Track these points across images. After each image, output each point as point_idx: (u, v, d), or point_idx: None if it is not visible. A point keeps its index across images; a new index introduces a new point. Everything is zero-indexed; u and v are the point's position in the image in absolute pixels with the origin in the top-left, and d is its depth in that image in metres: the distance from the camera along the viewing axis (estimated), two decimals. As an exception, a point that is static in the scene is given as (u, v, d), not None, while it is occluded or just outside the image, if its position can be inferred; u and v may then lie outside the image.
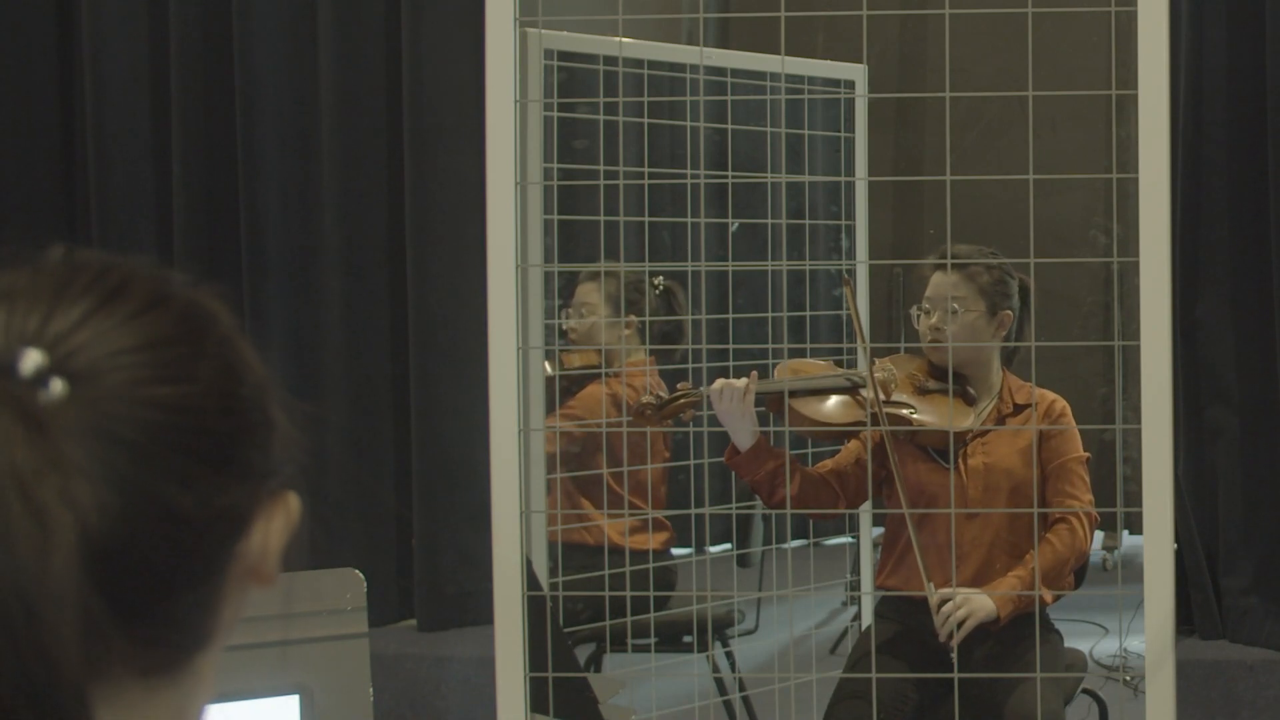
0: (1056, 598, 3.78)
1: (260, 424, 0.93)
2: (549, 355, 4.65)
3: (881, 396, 3.70)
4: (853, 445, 3.80)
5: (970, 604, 3.58)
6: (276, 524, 0.95)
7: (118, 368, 0.87)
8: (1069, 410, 3.75)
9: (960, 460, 3.72)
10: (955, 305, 3.74)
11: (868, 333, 3.87)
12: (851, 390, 3.76)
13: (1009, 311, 3.78)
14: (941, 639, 3.58)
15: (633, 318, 4.63)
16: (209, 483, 0.89)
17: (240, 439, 0.91)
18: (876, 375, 3.71)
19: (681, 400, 3.74)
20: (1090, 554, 3.68)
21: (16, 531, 0.81)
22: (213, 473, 0.89)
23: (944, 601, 3.58)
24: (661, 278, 4.70)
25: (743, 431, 3.64)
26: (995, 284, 3.78)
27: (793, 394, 3.70)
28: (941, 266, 3.73)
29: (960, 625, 3.56)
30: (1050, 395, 3.75)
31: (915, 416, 3.72)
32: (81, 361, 0.86)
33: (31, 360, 0.84)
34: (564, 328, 4.76)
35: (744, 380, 3.63)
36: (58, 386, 0.85)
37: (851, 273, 4.26)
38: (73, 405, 0.85)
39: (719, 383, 3.65)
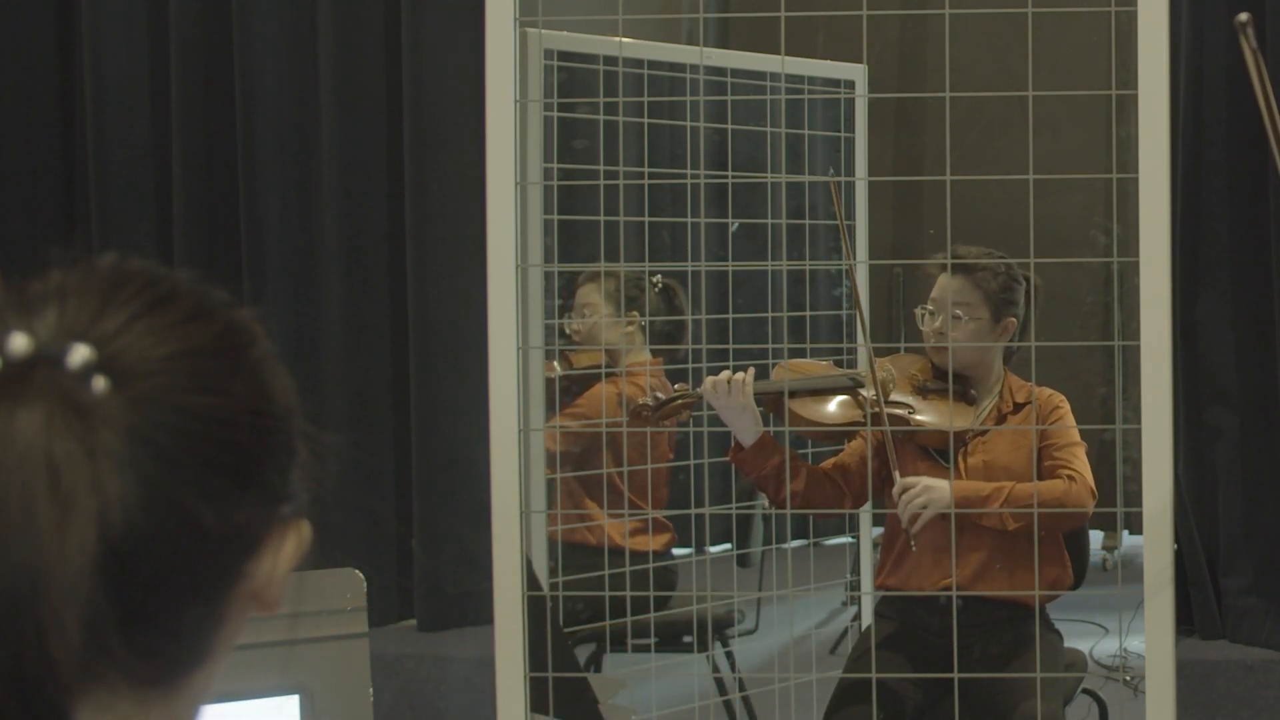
0: (1051, 598, 3.77)
1: (283, 447, 0.95)
2: (555, 355, 4.65)
3: (880, 396, 3.70)
4: (856, 443, 3.80)
5: (929, 493, 3.56)
6: (286, 550, 0.97)
7: (158, 372, 0.89)
8: (1066, 404, 3.74)
9: (960, 459, 3.72)
10: (959, 312, 3.72)
11: (868, 317, 3.86)
12: (850, 390, 3.76)
13: (1013, 319, 3.76)
14: (903, 525, 3.58)
15: (636, 314, 4.63)
16: (228, 497, 0.90)
17: (263, 458, 0.93)
18: (876, 375, 3.71)
19: (679, 401, 3.74)
20: (1086, 520, 3.62)
21: (38, 515, 0.83)
22: (233, 487, 0.91)
23: (905, 490, 3.57)
24: (660, 276, 4.70)
25: (745, 427, 3.63)
26: (1001, 291, 3.74)
27: (791, 394, 3.70)
28: (947, 267, 3.72)
29: (919, 515, 3.55)
30: (1048, 391, 3.75)
31: (915, 417, 3.71)
32: (125, 362, 0.88)
33: (79, 354, 0.87)
34: (567, 331, 4.76)
35: (738, 374, 3.62)
36: (100, 383, 0.87)
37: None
38: (113, 401, 0.87)
39: (709, 380, 3.65)
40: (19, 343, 0.87)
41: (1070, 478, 3.59)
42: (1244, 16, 2.59)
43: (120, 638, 0.86)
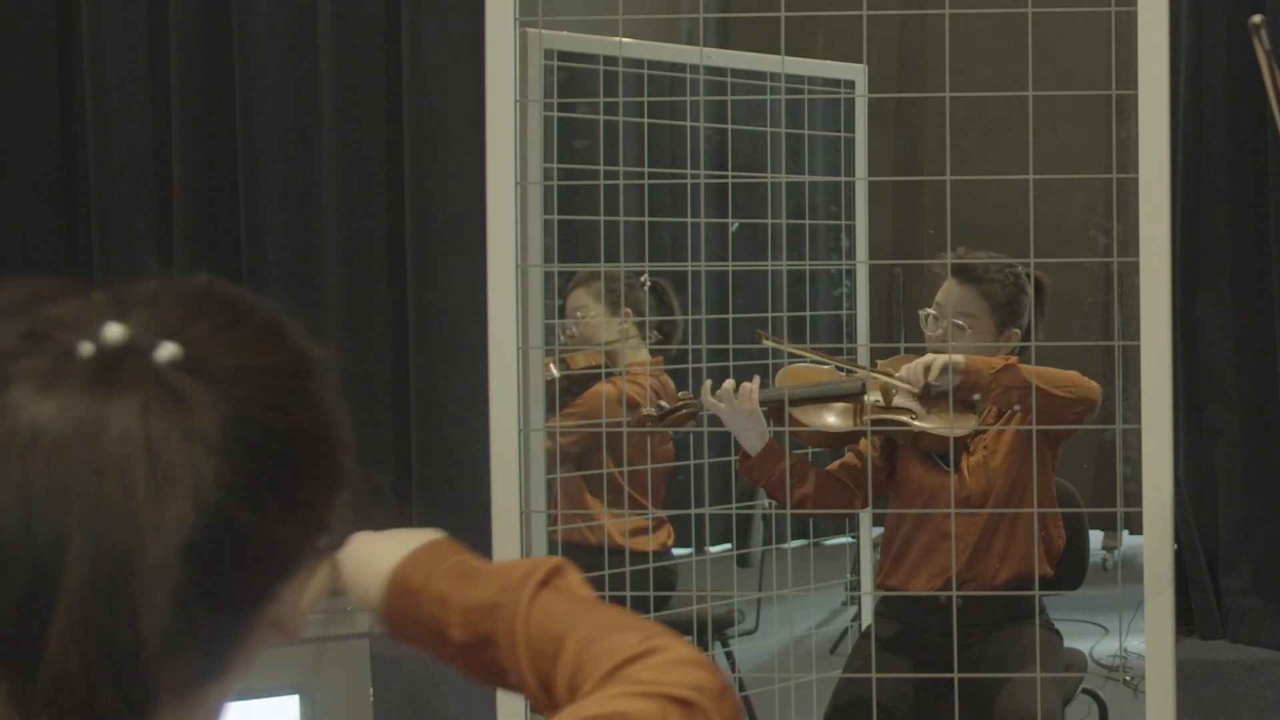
0: (1048, 575, 3.77)
1: (333, 479, 0.99)
2: (554, 356, 4.65)
3: (882, 403, 3.69)
4: (861, 443, 3.79)
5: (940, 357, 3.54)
6: (314, 582, 0.99)
7: (236, 381, 0.92)
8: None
9: (961, 459, 3.72)
10: (961, 322, 3.70)
11: (867, 328, 3.87)
12: (854, 396, 3.75)
13: (1016, 330, 3.73)
14: (918, 382, 3.56)
15: (629, 311, 4.63)
16: (276, 514, 0.93)
17: (314, 484, 0.97)
18: (877, 380, 3.70)
19: (683, 411, 3.74)
20: (1096, 407, 3.59)
21: (136, 493, 0.86)
22: (282, 505, 0.93)
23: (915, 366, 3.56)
24: (646, 274, 4.69)
25: (751, 436, 3.61)
26: (1007, 302, 3.71)
27: (793, 402, 3.69)
28: (956, 271, 3.70)
29: (932, 368, 3.53)
30: None
31: (916, 422, 3.70)
32: (209, 366, 0.92)
33: (168, 350, 0.91)
34: (563, 337, 4.75)
35: (744, 383, 3.61)
36: (184, 381, 0.90)
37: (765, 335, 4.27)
38: (203, 392, 0.91)
39: (708, 386, 3.63)
40: (114, 331, 0.90)
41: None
42: (1258, 18, 2.60)
43: (204, 614, 0.89)
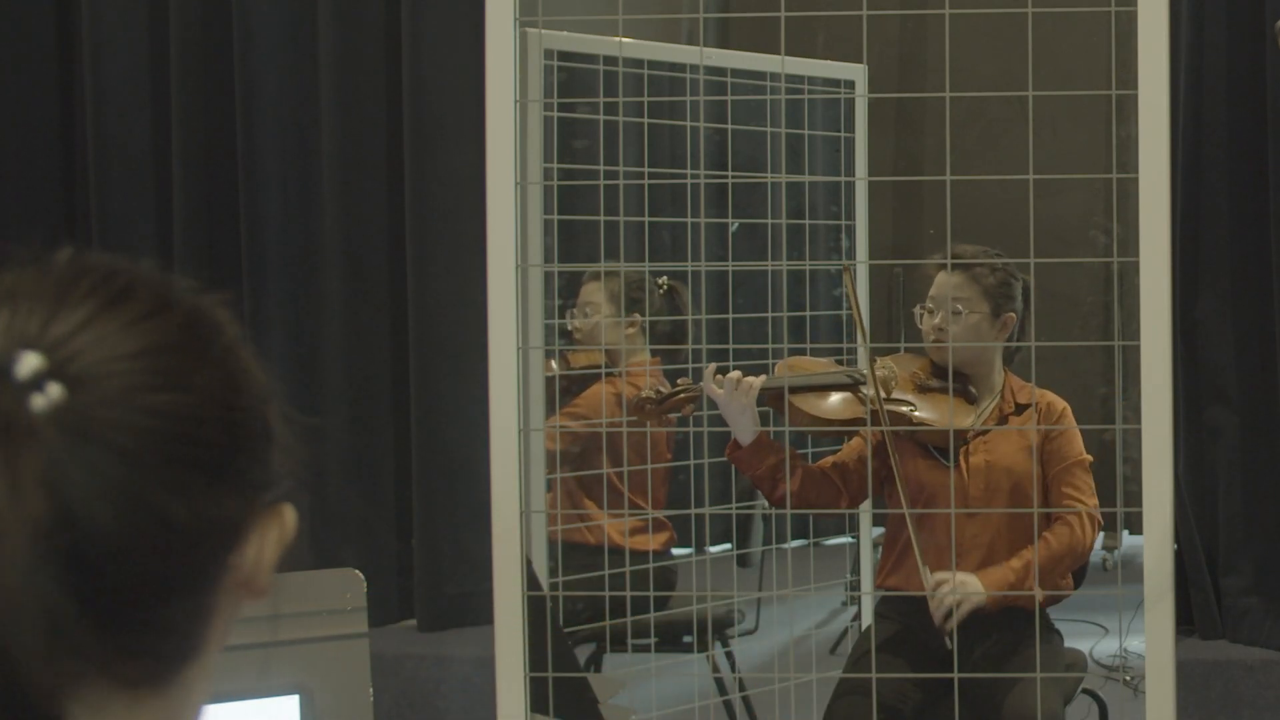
0: (1051, 599, 3.77)
1: (259, 436, 0.93)
2: (554, 354, 4.66)
3: (882, 394, 3.70)
4: (855, 441, 3.81)
5: (963, 589, 3.57)
6: (271, 537, 0.95)
7: (116, 373, 0.86)
8: (1070, 412, 3.74)
9: (961, 458, 3.72)
10: (959, 307, 3.74)
11: (868, 325, 3.88)
12: (852, 387, 3.77)
13: (1012, 314, 3.78)
14: (936, 623, 3.58)
15: (637, 316, 4.64)
16: (203, 493, 0.88)
17: (237, 450, 0.91)
18: (877, 373, 3.71)
19: (681, 395, 3.75)
20: (1091, 554, 3.66)
21: None
22: (208, 483, 0.89)
23: (939, 585, 3.58)
24: (665, 277, 4.71)
25: (745, 426, 3.65)
26: (999, 286, 3.77)
27: (793, 390, 3.71)
28: (946, 266, 3.74)
29: (953, 613, 3.54)
30: (1051, 396, 3.75)
31: (916, 414, 3.72)
32: (80, 366, 0.86)
33: (29, 364, 0.84)
34: (569, 327, 4.76)
35: (748, 377, 3.64)
36: (55, 391, 0.84)
37: (851, 266, 4.27)
38: (68, 409, 0.85)
39: (711, 375, 3.65)
40: None
41: (1072, 522, 3.62)
42: None
43: (97, 641, 0.85)
